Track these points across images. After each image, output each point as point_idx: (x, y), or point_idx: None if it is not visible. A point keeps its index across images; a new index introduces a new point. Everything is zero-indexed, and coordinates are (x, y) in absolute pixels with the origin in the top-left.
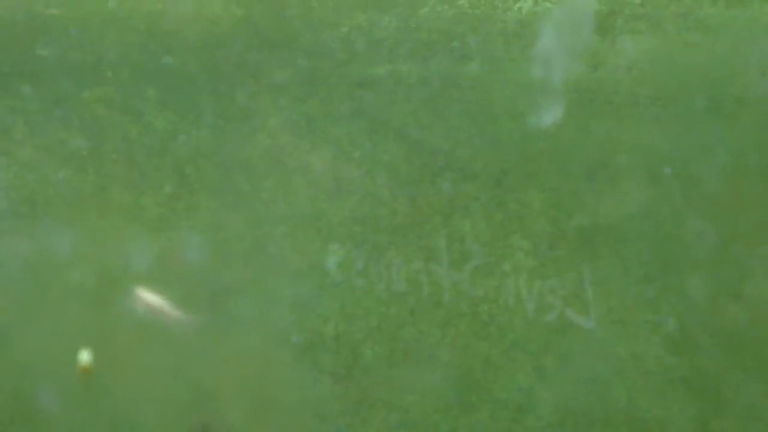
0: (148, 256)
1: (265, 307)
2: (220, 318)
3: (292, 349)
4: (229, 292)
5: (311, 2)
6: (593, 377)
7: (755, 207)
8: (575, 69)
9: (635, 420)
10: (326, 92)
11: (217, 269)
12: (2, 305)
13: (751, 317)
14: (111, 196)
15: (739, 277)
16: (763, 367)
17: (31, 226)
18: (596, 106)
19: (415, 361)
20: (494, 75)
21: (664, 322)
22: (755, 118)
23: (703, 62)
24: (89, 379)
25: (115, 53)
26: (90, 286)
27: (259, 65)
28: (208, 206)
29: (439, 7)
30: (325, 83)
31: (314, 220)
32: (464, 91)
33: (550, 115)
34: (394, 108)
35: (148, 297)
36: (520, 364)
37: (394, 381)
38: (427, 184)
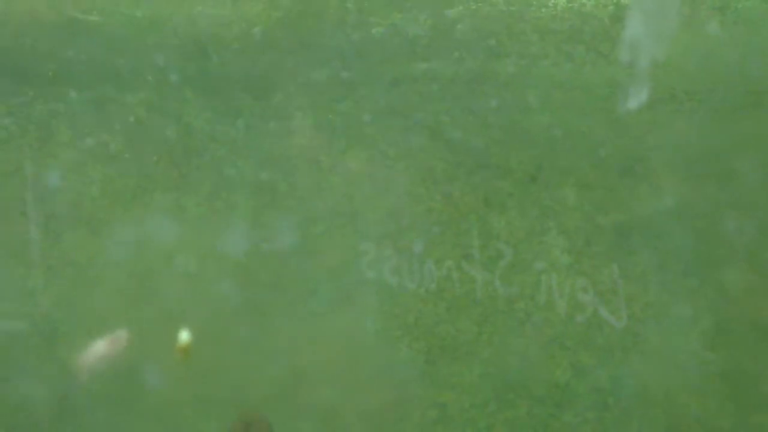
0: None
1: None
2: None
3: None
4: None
5: (347, 3)
6: (630, 373)
7: None
8: (610, 64)
9: (674, 416)
10: (361, 92)
11: (257, 267)
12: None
13: None
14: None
15: None
16: None
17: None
18: (632, 101)
19: (452, 358)
20: (529, 72)
21: (701, 317)
22: None
23: (741, 56)
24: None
25: (154, 57)
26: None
27: (296, 66)
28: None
29: (473, 5)
30: (361, 83)
31: (350, 219)
32: (498, 89)
33: (585, 111)
34: (428, 106)
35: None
36: (557, 360)
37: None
38: (462, 181)
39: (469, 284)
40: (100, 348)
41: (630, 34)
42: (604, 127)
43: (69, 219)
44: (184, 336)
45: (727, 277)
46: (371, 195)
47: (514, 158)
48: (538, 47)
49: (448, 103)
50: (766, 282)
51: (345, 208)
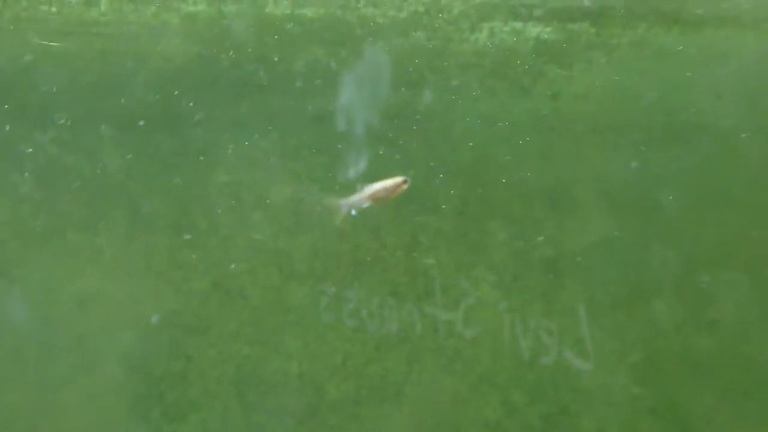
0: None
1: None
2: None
3: (253, 390)
4: (189, 332)
5: (266, 39)
6: (561, 410)
7: (717, 232)
8: (533, 98)
9: None
10: (284, 126)
11: (176, 308)
12: None
13: (717, 343)
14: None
15: (704, 303)
16: (731, 393)
17: None
18: (556, 135)
19: (380, 399)
20: (452, 106)
21: (631, 351)
22: (712, 143)
23: (660, 89)
24: None
25: (67, 92)
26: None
27: (215, 101)
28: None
29: (395, 40)
30: (283, 117)
31: (274, 257)
32: (422, 123)
33: (510, 145)
34: (352, 141)
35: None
36: (487, 398)
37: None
38: (388, 217)
39: (397, 322)
40: None
41: (552, 69)
42: (529, 160)
43: None
44: None
45: (655, 309)
46: (296, 232)
47: (441, 193)
48: (460, 81)
49: (371, 138)
50: (693, 314)
51: (269, 246)
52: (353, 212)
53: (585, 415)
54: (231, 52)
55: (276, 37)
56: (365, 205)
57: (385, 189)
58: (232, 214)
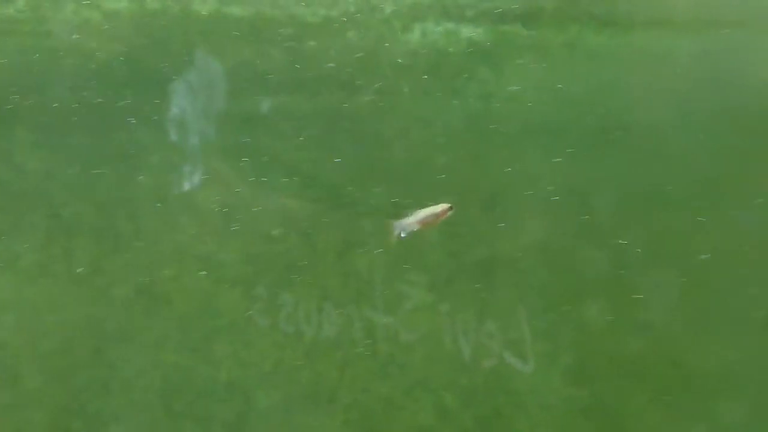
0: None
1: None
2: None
3: (180, 399)
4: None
5: (193, 36)
6: (495, 414)
7: (648, 233)
8: (466, 99)
9: None
10: (211, 128)
11: (99, 315)
12: None
13: (647, 343)
14: None
15: (636, 304)
16: (661, 393)
17: None
18: (489, 137)
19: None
20: (384, 106)
21: (563, 353)
22: (643, 143)
23: (591, 91)
24: None
25: None
26: None
27: (138, 101)
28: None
29: (327, 40)
30: (210, 118)
31: (203, 262)
32: (355, 124)
33: (444, 147)
34: (282, 143)
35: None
36: (421, 403)
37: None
38: (320, 220)
39: (330, 327)
40: None
41: (484, 71)
42: (462, 162)
43: None
44: None
45: (587, 312)
46: (224, 236)
47: (373, 195)
48: (392, 82)
49: (303, 140)
50: (623, 316)
51: (196, 251)
52: (403, 235)
53: (518, 417)
54: (155, 50)
55: (202, 35)
56: (415, 228)
57: (434, 215)
58: (157, 218)
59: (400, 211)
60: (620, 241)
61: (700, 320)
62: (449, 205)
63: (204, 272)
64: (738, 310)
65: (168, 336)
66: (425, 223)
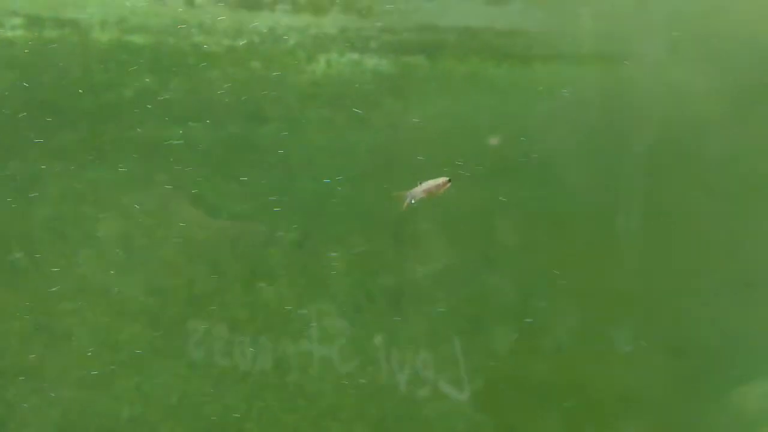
0: None
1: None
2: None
3: None
4: (8, 376)
5: (91, 66)
6: None
7: (550, 261)
8: (371, 130)
9: None
10: (113, 157)
11: None
12: None
13: (551, 367)
14: None
15: (538, 329)
16: (567, 417)
17: None
18: (394, 166)
19: None
20: (290, 136)
21: (471, 379)
22: (542, 172)
23: (492, 120)
24: None
25: None
26: None
27: (37, 130)
28: None
29: (230, 69)
30: (112, 148)
31: (103, 295)
32: (260, 154)
33: (349, 176)
34: (187, 172)
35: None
36: None
37: None
38: (226, 250)
39: (238, 358)
40: None
41: (389, 101)
42: (367, 191)
43: None
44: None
45: (494, 337)
46: (127, 268)
47: (280, 225)
48: (298, 112)
49: (208, 169)
50: (529, 341)
51: (97, 284)
52: (413, 201)
53: None
54: (53, 79)
55: (102, 64)
56: (421, 197)
57: (437, 185)
58: (56, 250)
59: (305, 240)
60: (524, 268)
61: (603, 345)
62: (448, 178)
63: (104, 305)
64: (640, 334)
65: (67, 371)
66: (429, 192)
